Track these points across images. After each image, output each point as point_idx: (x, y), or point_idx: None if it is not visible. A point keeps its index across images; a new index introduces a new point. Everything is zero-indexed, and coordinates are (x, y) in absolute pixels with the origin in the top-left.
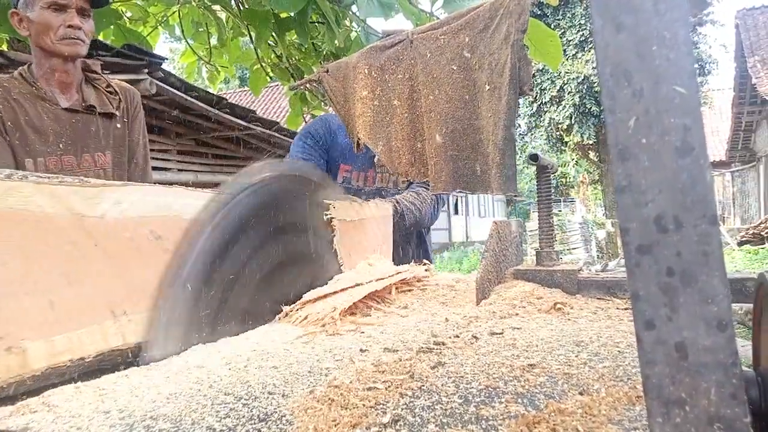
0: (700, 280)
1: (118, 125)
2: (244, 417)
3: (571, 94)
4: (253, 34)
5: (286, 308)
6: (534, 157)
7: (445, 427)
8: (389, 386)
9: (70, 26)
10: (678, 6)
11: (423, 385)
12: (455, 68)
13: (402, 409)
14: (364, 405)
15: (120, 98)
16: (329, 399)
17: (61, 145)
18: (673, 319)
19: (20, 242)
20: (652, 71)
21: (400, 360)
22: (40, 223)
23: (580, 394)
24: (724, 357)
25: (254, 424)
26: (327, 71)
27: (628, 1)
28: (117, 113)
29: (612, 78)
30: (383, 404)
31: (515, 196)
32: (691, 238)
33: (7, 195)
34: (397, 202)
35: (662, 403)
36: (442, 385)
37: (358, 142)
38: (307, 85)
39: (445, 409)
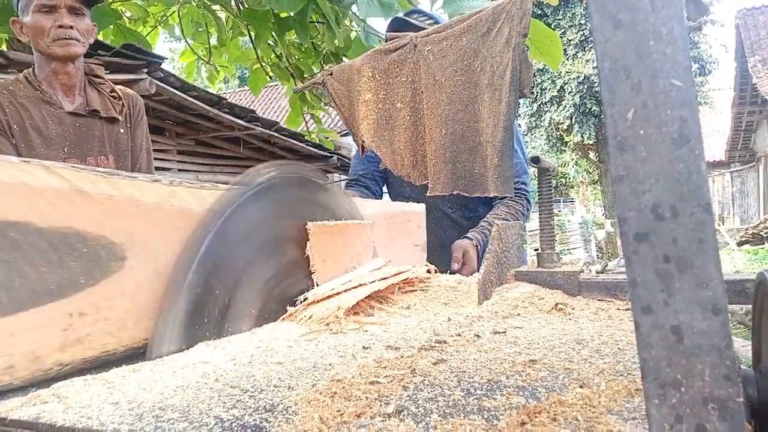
0: (696, 265)
1: (122, 130)
2: (250, 407)
3: (572, 94)
4: (252, 34)
5: (291, 308)
6: (535, 160)
7: (448, 416)
8: (391, 380)
9: (60, 26)
10: (673, 3)
11: (425, 379)
12: (458, 71)
13: (405, 401)
14: (367, 397)
15: (123, 103)
16: (332, 392)
17: (65, 149)
18: (670, 303)
19: None
20: (650, 66)
21: (402, 357)
22: None
23: (581, 387)
24: (719, 340)
25: (261, 414)
26: (331, 74)
27: None
28: (120, 118)
29: (611, 73)
30: (386, 396)
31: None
32: (687, 226)
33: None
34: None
35: (659, 384)
36: (444, 379)
37: (363, 145)
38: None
39: (448, 401)
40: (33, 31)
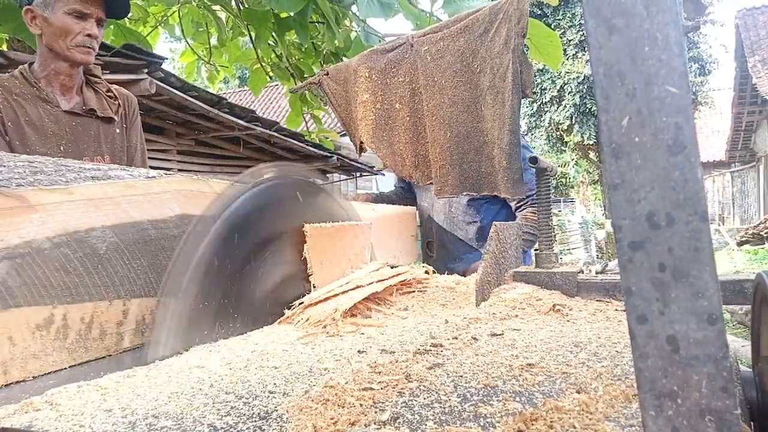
0: (691, 275)
1: (117, 130)
2: (244, 415)
3: (572, 94)
4: (253, 34)
5: (288, 311)
6: (534, 160)
7: (444, 424)
8: (385, 386)
9: (88, 35)
10: (669, 8)
11: (421, 385)
12: (457, 72)
13: (401, 407)
14: (361, 404)
15: (119, 103)
16: (324, 399)
17: (61, 147)
18: (665, 313)
19: None
20: (645, 72)
21: (397, 361)
22: None
23: (578, 392)
24: (715, 350)
25: (255, 421)
26: (327, 74)
27: (620, 3)
28: (116, 118)
29: (605, 78)
30: (381, 403)
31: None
32: (683, 235)
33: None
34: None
35: (655, 395)
36: (441, 384)
37: (361, 146)
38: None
39: (444, 408)
40: (57, 30)
